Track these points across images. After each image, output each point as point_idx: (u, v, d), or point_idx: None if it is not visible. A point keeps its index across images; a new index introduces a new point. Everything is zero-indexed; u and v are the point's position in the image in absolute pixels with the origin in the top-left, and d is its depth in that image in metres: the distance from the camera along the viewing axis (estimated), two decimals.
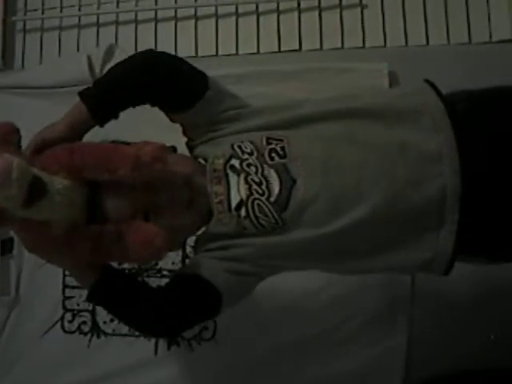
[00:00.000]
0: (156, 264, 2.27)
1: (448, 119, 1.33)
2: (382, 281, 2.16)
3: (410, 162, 1.31)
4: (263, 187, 1.33)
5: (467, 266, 1.47)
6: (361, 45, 2.35)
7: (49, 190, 1.18)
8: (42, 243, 1.26)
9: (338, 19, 2.37)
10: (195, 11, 2.47)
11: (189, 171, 1.37)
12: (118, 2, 2.51)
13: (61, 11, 2.56)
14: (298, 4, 2.39)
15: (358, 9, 2.37)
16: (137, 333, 2.25)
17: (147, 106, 1.42)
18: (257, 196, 1.33)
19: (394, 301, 2.17)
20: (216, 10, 2.45)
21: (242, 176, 1.35)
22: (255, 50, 2.40)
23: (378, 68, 2.23)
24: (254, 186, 1.33)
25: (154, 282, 2.23)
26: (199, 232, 1.46)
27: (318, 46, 2.37)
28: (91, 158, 1.24)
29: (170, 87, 1.38)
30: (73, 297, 2.34)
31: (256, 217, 1.33)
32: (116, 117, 1.39)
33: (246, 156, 1.36)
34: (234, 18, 2.43)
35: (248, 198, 1.33)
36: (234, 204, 1.35)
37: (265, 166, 1.34)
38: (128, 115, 1.40)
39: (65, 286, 2.34)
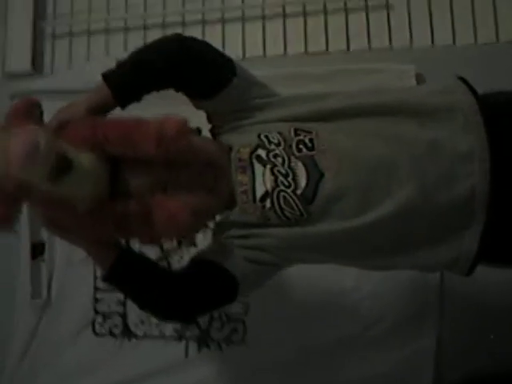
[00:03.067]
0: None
1: (481, 118, 1.31)
2: (411, 282, 2.15)
3: (440, 161, 1.30)
4: (289, 179, 1.32)
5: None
6: (387, 46, 2.35)
7: (75, 164, 1.18)
8: (62, 220, 1.25)
9: (364, 21, 2.37)
10: (222, 15, 2.47)
11: (212, 152, 1.35)
12: (145, 6, 2.53)
13: (89, 16, 2.57)
14: (325, 6, 2.39)
15: (384, 10, 2.36)
16: (167, 335, 2.28)
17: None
18: (283, 188, 1.32)
19: (424, 302, 2.16)
20: (243, 14, 2.46)
21: (268, 167, 1.33)
22: (282, 52, 2.41)
23: (406, 69, 2.23)
24: (280, 178, 1.32)
25: None
26: (222, 217, 1.45)
27: (344, 48, 2.37)
28: (114, 133, 1.23)
29: (195, 73, 1.37)
30: (104, 299, 2.36)
31: (281, 209, 1.32)
32: (139, 100, 1.37)
33: (272, 146, 1.35)
34: (260, 21, 2.44)
35: (273, 189, 1.32)
36: (258, 195, 1.34)
37: (292, 157, 1.33)
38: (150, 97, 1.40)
39: (96, 289, 2.36)
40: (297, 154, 1.33)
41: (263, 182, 1.34)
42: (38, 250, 2.39)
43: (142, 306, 1.44)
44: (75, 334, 2.37)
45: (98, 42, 2.56)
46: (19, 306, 2.41)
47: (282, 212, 1.32)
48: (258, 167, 1.35)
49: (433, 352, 2.15)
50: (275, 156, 1.34)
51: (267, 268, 1.42)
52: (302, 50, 2.39)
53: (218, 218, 1.47)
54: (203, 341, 2.27)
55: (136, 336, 2.33)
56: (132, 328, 2.33)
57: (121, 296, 2.32)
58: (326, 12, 2.40)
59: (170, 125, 1.21)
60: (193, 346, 2.28)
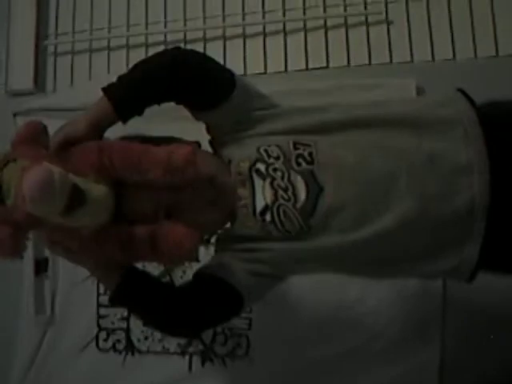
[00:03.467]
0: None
1: (480, 130, 1.32)
2: (414, 295, 2.15)
3: (439, 173, 1.31)
4: (289, 193, 1.33)
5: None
6: (388, 61, 2.36)
7: (87, 198, 1.18)
8: (68, 243, 1.27)
9: (364, 36, 2.38)
10: (224, 32, 2.49)
11: (213, 170, 1.36)
12: (146, 24, 2.55)
13: (90, 34, 2.59)
14: (325, 22, 2.41)
15: (384, 25, 2.38)
16: (171, 350, 2.28)
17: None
18: (282, 202, 1.33)
19: (427, 315, 2.16)
20: (244, 30, 2.47)
21: (268, 181, 1.35)
22: (283, 69, 2.42)
23: (406, 83, 2.24)
24: (280, 192, 1.33)
25: None
26: (223, 231, 1.46)
27: (345, 63, 2.38)
28: (121, 159, 1.23)
29: (195, 85, 1.37)
30: (107, 315, 2.36)
31: (281, 222, 1.33)
32: (140, 113, 1.38)
33: (272, 160, 1.35)
34: (261, 37, 2.45)
35: (273, 203, 1.34)
36: (258, 209, 1.35)
37: (291, 171, 1.34)
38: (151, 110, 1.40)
39: (99, 305, 2.37)
40: (296, 167, 1.34)
41: (263, 195, 1.35)
42: (41, 266, 2.40)
43: (148, 324, 1.49)
44: (79, 350, 2.37)
45: (99, 60, 2.57)
46: (23, 322, 2.42)
47: (282, 225, 1.34)
48: (257, 181, 1.36)
49: (437, 365, 2.14)
50: (274, 170, 1.35)
51: (269, 280, 1.43)
52: (303, 66, 2.40)
53: (219, 232, 1.48)
54: (207, 356, 2.27)
55: (139, 351, 2.33)
56: (135, 343, 2.33)
57: (124, 312, 2.32)
58: (326, 28, 2.41)
59: (178, 155, 1.22)
60: (196, 361, 2.28)
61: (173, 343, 2.30)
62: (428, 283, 2.09)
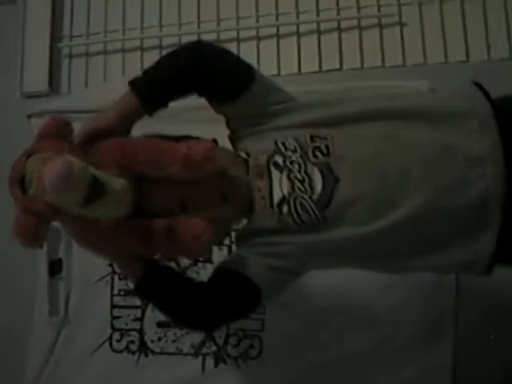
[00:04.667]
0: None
1: (495, 123, 1.33)
2: (425, 296, 2.15)
3: (453, 165, 1.32)
4: (306, 185, 1.35)
5: None
6: (401, 63, 2.36)
7: (107, 190, 1.21)
8: (90, 236, 1.30)
9: (377, 38, 2.39)
10: (238, 34, 2.50)
11: (224, 164, 1.37)
12: (160, 27, 2.56)
13: (105, 36, 2.61)
14: (338, 24, 2.42)
15: (398, 27, 2.38)
16: (184, 351, 2.28)
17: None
18: (299, 193, 1.35)
19: (439, 316, 2.16)
20: (257, 33, 2.48)
21: (285, 173, 1.37)
22: (296, 71, 2.43)
23: (419, 85, 2.23)
24: (297, 184, 1.36)
25: None
26: (241, 225, 1.49)
27: (358, 65, 2.39)
28: (143, 154, 1.26)
29: (215, 77, 1.40)
30: (121, 316, 2.37)
31: (298, 214, 1.36)
32: (165, 105, 1.41)
33: (289, 153, 1.38)
34: (274, 40, 2.46)
35: (290, 195, 1.36)
36: (276, 200, 1.37)
37: (308, 163, 1.36)
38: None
39: (113, 306, 2.38)
40: (313, 160, 1.37)
41: (280, 187, 1.37)
42: (55, 267, 2.41)
43: (168, 316, 1.50)
44: (93, 351, 2.37)
45: (114, 62, 2.59)
46: (37, 324, 2.43)
47: (299, 217, 1.36)
48: (275, 173, 1.39)
49: (449, 366, 2.13)
50: (292, 162, 1.37)
51: (286, 275, 1.45)
52: (317, 68, 2.41)
53: (237, 226, 1.51)
54: (220, 357, 2.27)
55: (153, 352, 2.34)
56: (149, 344, 2.34)
57: (138, 313, 2.34)
58: (339, 30, 2.42)
59: (197, 150, 1.25)
60: (210, 362, 2.29)
61: (186, 344, 2.30)
62: (440, 284, 2.09)
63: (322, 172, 1.35)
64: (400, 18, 2.38)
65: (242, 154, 1.45)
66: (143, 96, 1.36)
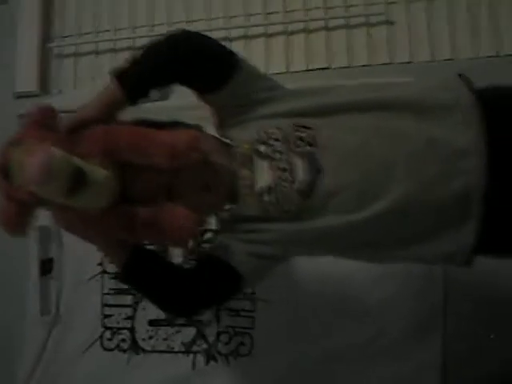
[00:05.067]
0: None
1: (478, 114, 1.34)
2: (416, 290, 2.17)
3: (437, 158, 1.33)
4: (288, 174, 1.36)
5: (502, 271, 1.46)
6: (388, 61, 2.37)
7: (89, 180, 1.22)
8: (77, 223, 1.31)
9: (365, 36, 2.40)
10: (246, 32, 2.51)
11: (208, 151, 1.37)
12: (152, 26, 2.57)
13: (95, 36, 2.62)
14: (326, 23, 2.43)
15: (385, 26, 2.40)
16: (175, 349, 2.30)
17: None
18: (281, 182, 1.37)
19: (429, 310, 2.16)
20: (245, 32, 2.49)
21: (268, 162, 1.38)
22: (284, 70, 2.43)
23: (405, 82, 2.24)
24: (279, 173, 1.37)
25: None
26: (225, 212, 1.50)
27: (346, 64, 2.39)
28: (127, 141, 1.28)
29: (199, 66, 1.41)
30: (112, 315, 2.38)
31: (279, 202, 1.37)
32: (147, 96, 1.41)
33: (272, 142, 1.39)
34: (262, 39, 2.47)
35: (273, 183, 1.37)
36: (259, 189, 1.39)
37: (291, 153, 1.37)
38: None
39: (104, 305, 2.39)
40: (296, 149, 1.38)
41: (263, 176, 1.39)
42: (46, 266, 2.42)
43: (152, 301, 1.51)
44: (84, 349, 2.38)
45: (104, 63, 2.60)
46: (28, 323, 2.44)
47: (281, 206, 1.38)
48: (258, 162, 1.40)
49: (439, 364, 2.14)
50: (274, 151, 1.39)
51: (269, 261, 1.47)
52: (304, 67, 2.42)
53: (221, 214, 1.53)
54: (211, 354, 2.29)
55: (144, 350, 2.35)
56: (140, 343, 2.35)
57: (129, 311, 2.36)
58: (327, 29, 2.43)
59: (182, 139, 1.28)
60: (200, 360, 2.30)
61: (177, 342, 2.32)
62: (431, 276, 2.11)
63: (304, 162, 1.36)
64: (387, 16, 2.39)
65: (228, 142, 1.47)
66: (128, 88, 1.37)
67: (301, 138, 1.38)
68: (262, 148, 1.40)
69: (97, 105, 1.37)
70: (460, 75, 1.46)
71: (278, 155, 1.38)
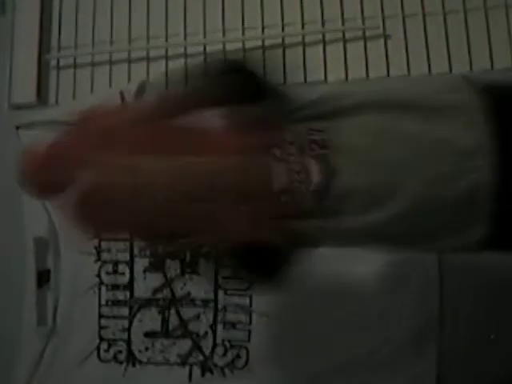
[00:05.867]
0: (189, 294, 2.31)
1: (486, 114, 1.34)
2: (410, 301, 2.19)
3: (445, 158, 1.34)
4: (302, 176, 1.37)
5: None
6: (385, 74, 2.38)
7: None
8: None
9: (362, 50, 2.41)
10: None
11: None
12: (148, 39, 2.58)
13: (93, 48, 2.62)
14: (323, 36, 2.44)
15: (382, 39, 2.41)
16: (171, 361, 2.30)
17: None
18: (296, 185, 1.38)
19: (423, 326, 2.18)
20: (243, 45, 2.50)
21: (282, 165, 1.39)
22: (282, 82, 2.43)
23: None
24: (294, 175, 1.38)
25: (186, 312, 2.29)
26: None
27: (343, 77, 2.41)
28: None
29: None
30: (108, 327, 2.38)
31: (295, 205, 1.38)
32: None
33: (286, 145, 1.41)
34: (259, 52, 2.47)
35: (287, 186, 1.38)
36: (274, 191, 1.39)
37: (305, 156, 1.39)
38: None
39: (100, 316, 2.39)
40: (310, 152, 1.39)
41: (277, 179, 1.39)
42: (43, 277, 2.42)
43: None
44: (80, 361, 2.38)
45: (101, 74, 2.60)
46: (25, 334, 2.43)
47: (296, 208, 1.38)
48: (273, 165, 1.40)
49: (433, 374, 2.15)
50: (289, 154, 1.40)
51: None
52: (301, 79, 2.43)
53: None
54: (207, 366, 2.29)
55: (140, 362, 2.35)
56: (136, 354, 2.35)
57: (125, 323, 2.36)
58: (324, 42, 2.44)
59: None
60: (196, 372, 2.30)
61: (173, 354, 2.32)
62: (427, 281, 2.15)
63: (318, 164, 1.37)
64: (384, 30, 2.41)
65: None
66: None
67: (314, 141, 1.40)
68: (277, 151, 1.41)
69: None
70: (465, 77, 1.50)
71: (291, 158, 1.39)
